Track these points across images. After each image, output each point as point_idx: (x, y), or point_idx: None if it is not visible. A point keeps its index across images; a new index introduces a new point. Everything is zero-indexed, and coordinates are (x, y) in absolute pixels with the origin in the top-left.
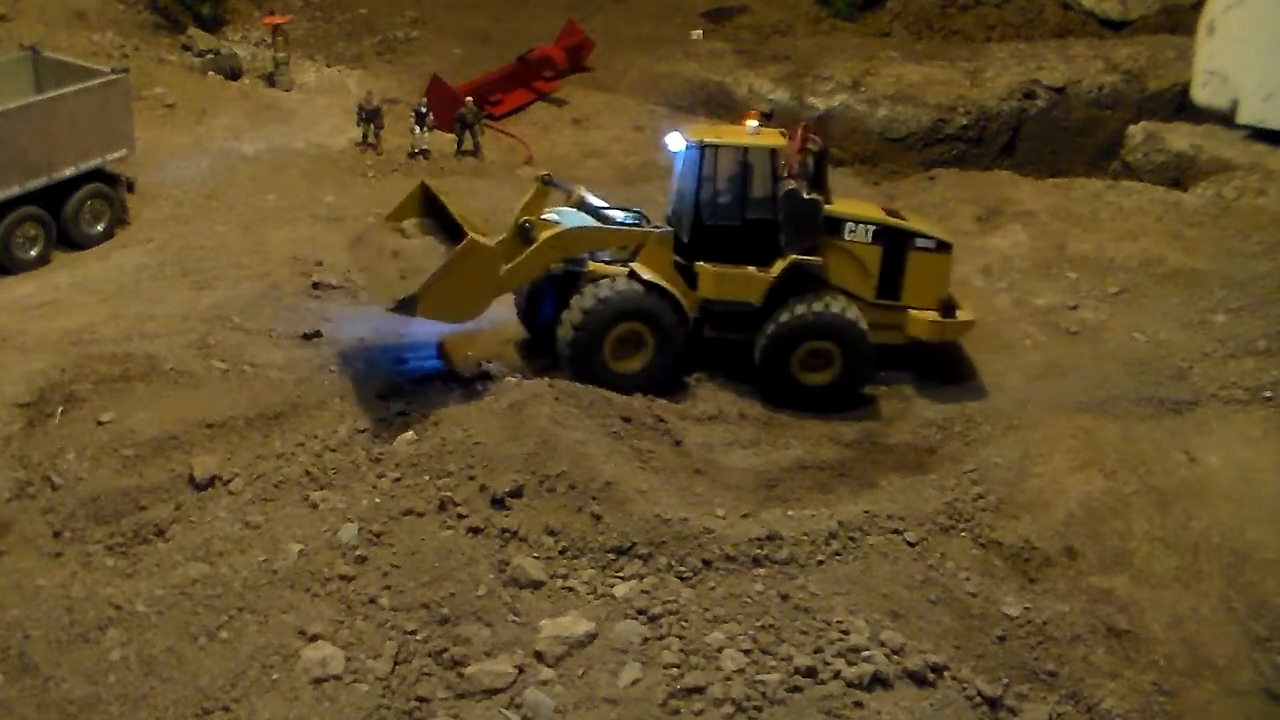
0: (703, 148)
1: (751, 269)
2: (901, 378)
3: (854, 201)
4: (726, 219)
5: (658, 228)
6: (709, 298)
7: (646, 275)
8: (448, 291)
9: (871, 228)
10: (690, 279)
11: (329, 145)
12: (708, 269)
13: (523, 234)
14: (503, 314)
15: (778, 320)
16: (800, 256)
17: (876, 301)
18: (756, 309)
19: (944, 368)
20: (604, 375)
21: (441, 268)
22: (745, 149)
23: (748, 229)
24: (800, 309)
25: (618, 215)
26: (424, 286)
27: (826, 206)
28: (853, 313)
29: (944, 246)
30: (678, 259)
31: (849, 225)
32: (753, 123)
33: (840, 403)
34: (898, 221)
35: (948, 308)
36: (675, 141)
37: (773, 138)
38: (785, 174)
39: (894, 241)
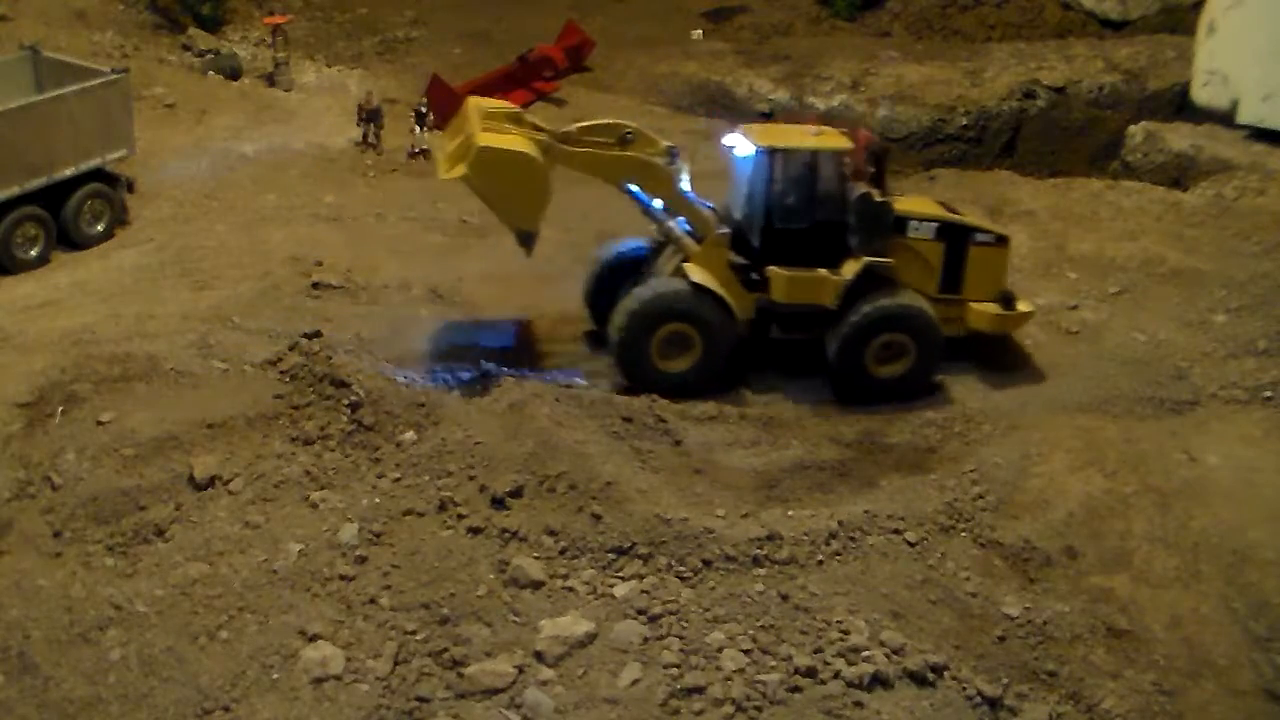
0: (772, 152)
1: (823, 271)
2: (961, 366)
3: (913, 199)
4: (796, 222)
5: (720, 229)
6: (780, 301)
7: (696, 277)
8: (513, 205)
9: (934, 225)
10: (750, 282)
11: (329, 145)
12: (780, 273)
13: (621, 139)
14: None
15: (854, 316)
16: (873, 258)
17: (939, 296)
18: (830, 310)
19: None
20: (650, 373)
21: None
22: (814, 152)
23: (815, 231)
24: (878, 304)
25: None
26: (513, 224)
27: None
28: (925, 305)
29: (1002, 240)
30: (744, 261)
31: (913, 223)
32: (812, 127)
33: (913, 392)
34: (958, 217)
35: (1007, 300)
36: (742, 145)
37: (838, 140)
38: (848, 175)
39: (955, 237)
